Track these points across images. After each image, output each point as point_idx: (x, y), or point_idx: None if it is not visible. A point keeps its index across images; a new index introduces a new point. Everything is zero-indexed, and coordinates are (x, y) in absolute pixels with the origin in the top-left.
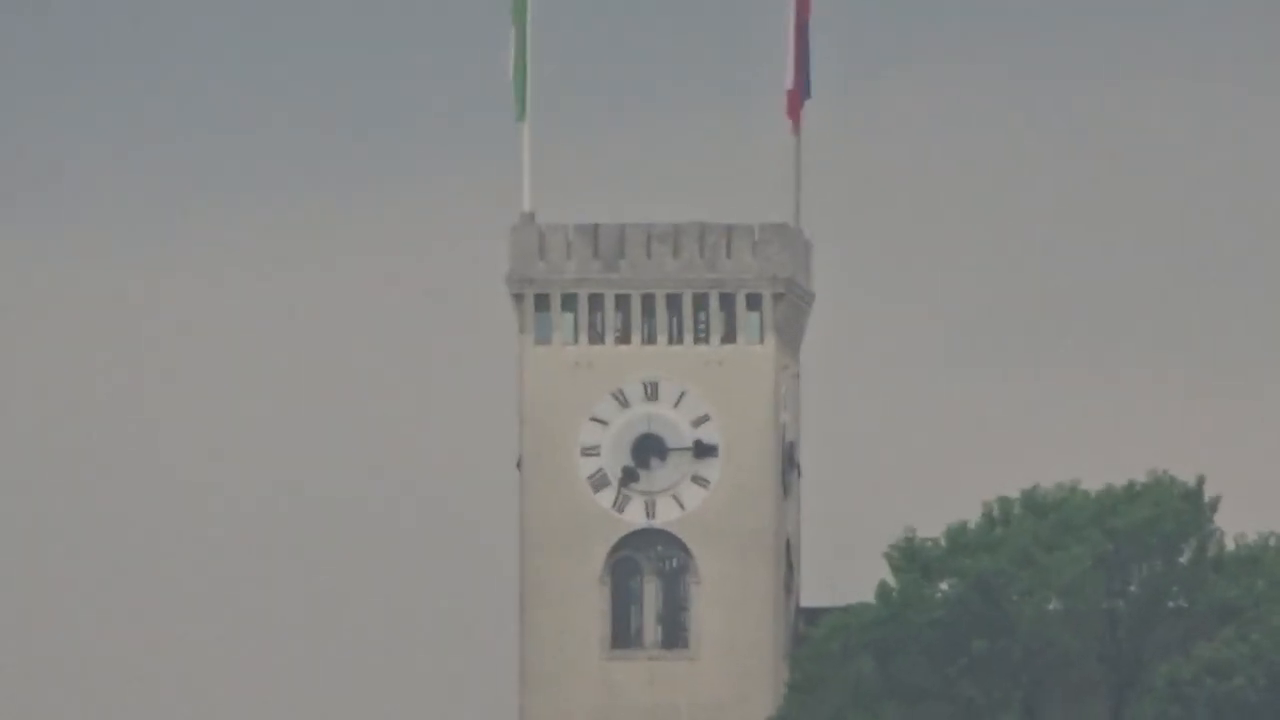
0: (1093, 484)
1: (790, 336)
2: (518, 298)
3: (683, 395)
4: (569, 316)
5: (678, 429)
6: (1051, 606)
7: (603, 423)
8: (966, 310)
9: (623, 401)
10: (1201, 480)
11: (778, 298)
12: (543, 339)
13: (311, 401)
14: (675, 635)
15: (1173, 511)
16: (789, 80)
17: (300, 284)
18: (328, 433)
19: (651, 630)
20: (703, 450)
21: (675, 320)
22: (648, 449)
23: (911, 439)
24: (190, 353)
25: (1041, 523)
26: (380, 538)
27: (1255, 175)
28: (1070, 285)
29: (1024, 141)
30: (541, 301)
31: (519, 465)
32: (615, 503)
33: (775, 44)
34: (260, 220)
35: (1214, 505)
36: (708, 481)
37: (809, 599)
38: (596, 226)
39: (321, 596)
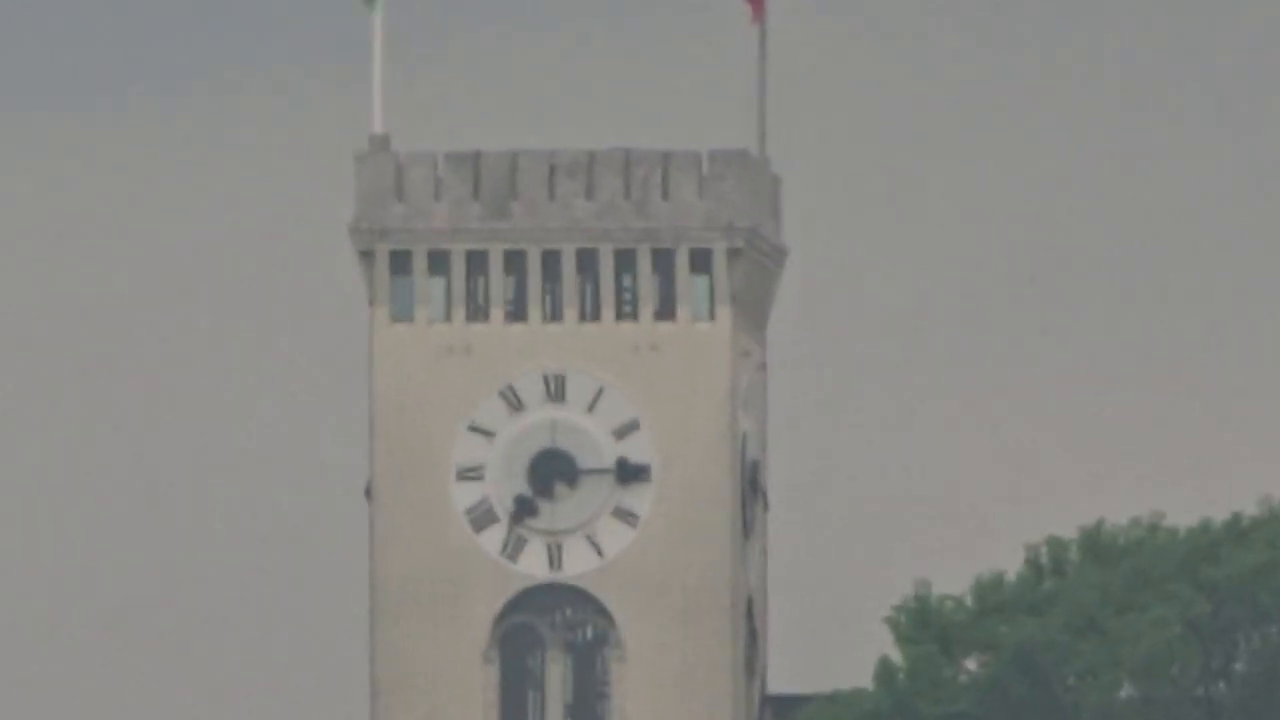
0: (1182, 519)
1: (752, 310)
2: (366, 255)
3: (600, 393)
4: (439, 282)
5: (594, 442)
6: (1124, 693)
7: (487, 434)
8: (993, 268)
9: (515, 403)
10: None
11: (734, 255)
12: (402, 314)
13: (74, 399)
14: None
15: None
16: None
17: (77, 218)
18: (94, 460)
19: None
20: (629, 472)
21: (590, 288)
22: (551, 471)
23: (921, 456)
24: None
25: (1110, 574)
26: (192, 587)
27: None
28: (1144, 229)
29: (1043, 38)
30: (400, 261)
31: (367, 493)
32: (505, 548)
33: None
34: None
35: None
36: (636, 517)
37: (779, 683)
38: (478, 155)
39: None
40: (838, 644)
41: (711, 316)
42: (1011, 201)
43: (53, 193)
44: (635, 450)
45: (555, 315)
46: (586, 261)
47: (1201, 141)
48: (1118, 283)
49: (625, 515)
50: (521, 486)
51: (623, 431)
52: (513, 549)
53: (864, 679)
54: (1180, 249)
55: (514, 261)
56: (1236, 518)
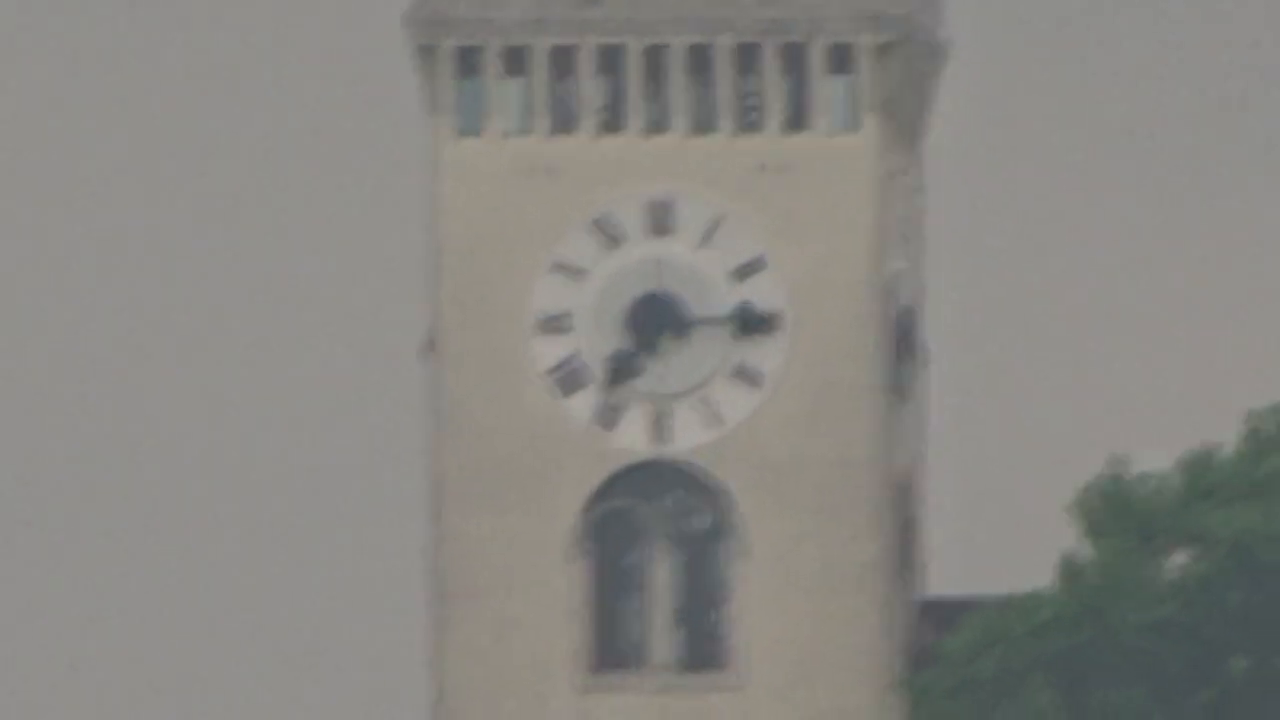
0: None
1: (906, 120)
2: (425, 52)
3: (717, 224)
4: (516, 86)
5: (709, 285)
6: None
7: (576, 273)
8: (1211, 72)
9: (610, 236)
10: None
11: (883, 51)
12: (470, 126)
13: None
14: (705, 649)
15: None
16: None
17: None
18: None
19: (664, 641)
20: (753, 322)
21: (703, 92)
22: (656, 320)
23: (1115, 300)
24: None
25: None
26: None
27: None
28: None
29: None
30: (468, 59)
31: (427, 350)
32: (598, 416)
33: None
34: None
35: None
36: (761, 377)
37: (941, 585)
38: None
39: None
40: (1012, 535)
41: (855, 128)
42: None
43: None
44: (760, 294)
45: (660, 126)
46: (699, 59)
47: None
48: None
49: (748, 375)
50: (619, 340)
51: (745, 271)
52: (608, 418)
53: (1045, 578)
54: None
55: (609, 59)
56: None
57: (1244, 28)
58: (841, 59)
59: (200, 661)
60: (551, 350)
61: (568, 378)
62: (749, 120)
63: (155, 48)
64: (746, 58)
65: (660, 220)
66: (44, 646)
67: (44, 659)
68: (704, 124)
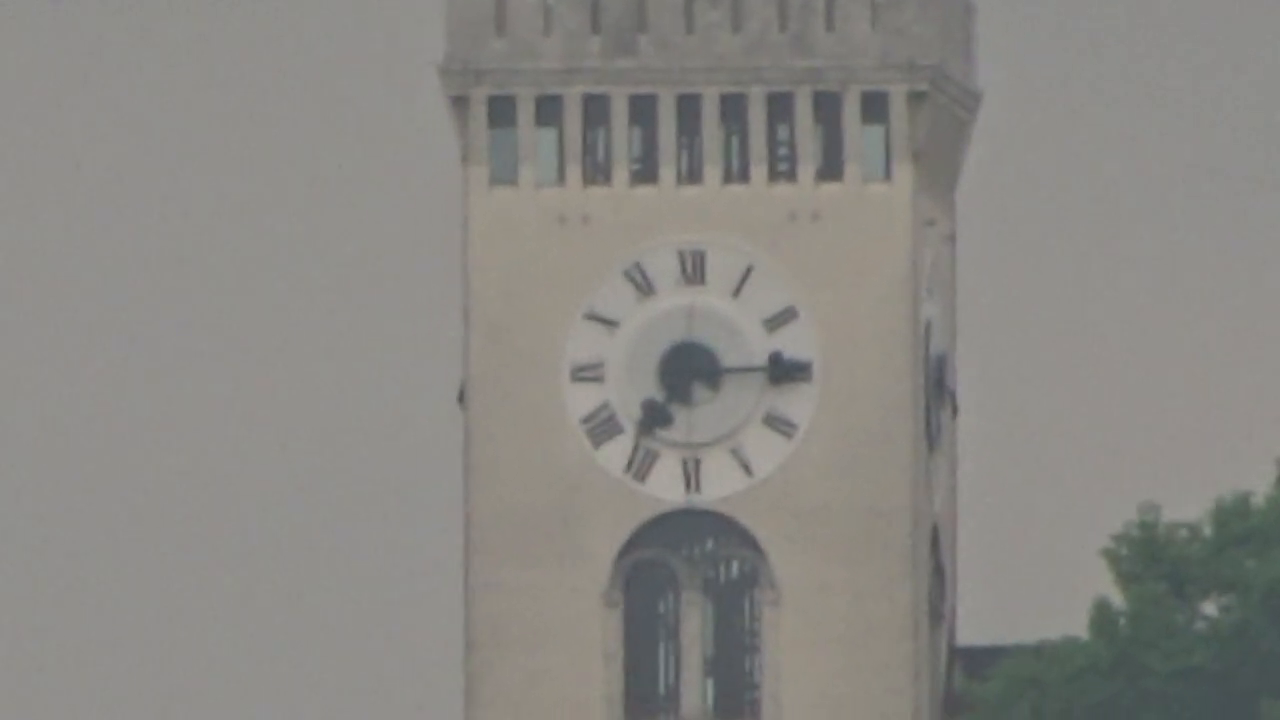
0: None
1: (939, 169)
2: (459, 102)
3: (749, 273)
4: (549, 135)
5: (741, 334)
6: None
7: (609, 323)
8: (1242, 119)
9: (643, 285)
10: None
11: (917, 100)
12: (504, 175)
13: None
14: (737, 697)
15: None
16: None
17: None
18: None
19: (696, 688)
20: (785, 371)
21: (736, 140)
22: (688, 370)
23: (1148, 348)
24: None
25: None
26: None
27: None
28: None
29: None
30: (501, 109)
31: (461, 399)
32: (631, 465)
33: None
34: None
35: None
36: (793, 427)
37: (973, 633)
38: None
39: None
40: (1044, 583)
41: (888, 176)
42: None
43: (112, 32)
44: (792, 344)
45: (693, 176)
46: (732, 108)
47: None
48: None
49: (779, 424)
50: (651, 389)
51: (777, 321)
52: (640, 467)
53: (1078, 626)
54: None
55: (642, 108)
56: None
57: (1274, 71)
58: (874, 108)
59: (239, 715)
60: (584, 400)
61: (600, 427)
62: (781, 169)
63: (191, 98)
64: (779, 107)
65: (692, 270)
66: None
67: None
68: (737, 173)
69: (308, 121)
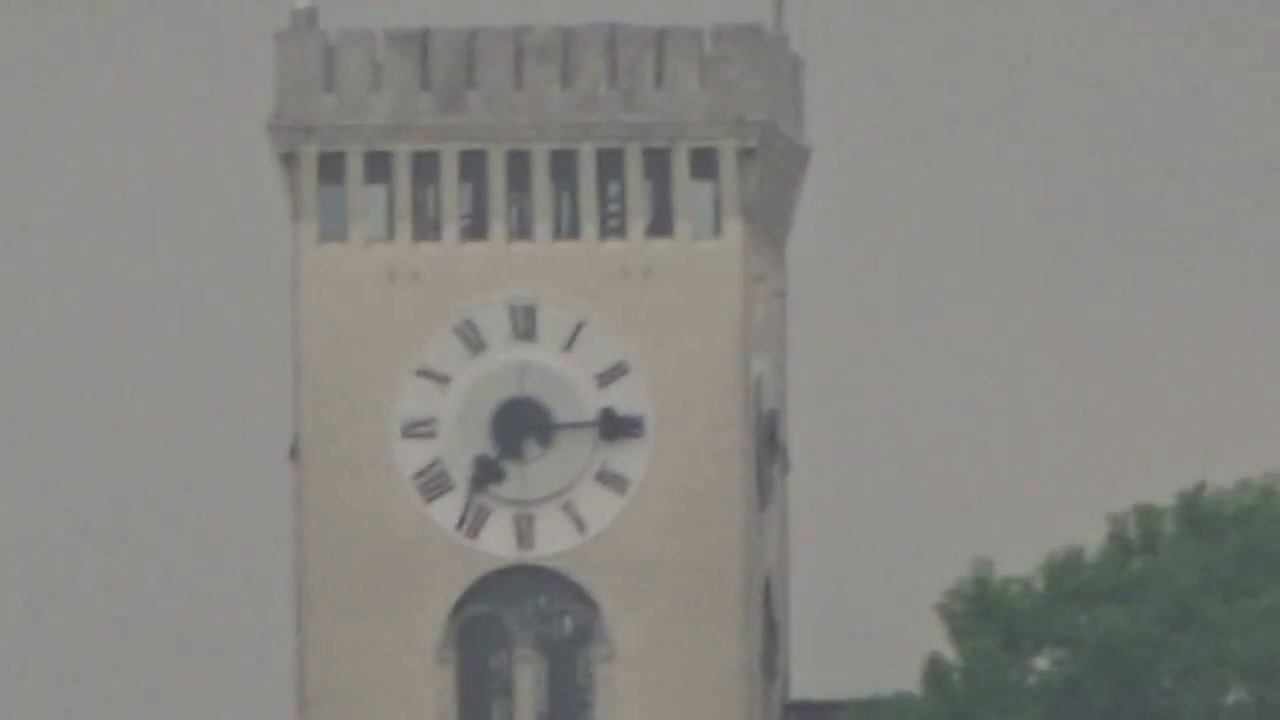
0: None
1: (770, 224)
2: (288, 159)
3: (580, 329)
4: (379, 191)
5: (572, 390)
6: (1232, 697)
7: (440, 379)
8: (1069, 177)
9: (474, 341)
10: None
11: (746, 156)
12: (333, 232)
13: None
14: None
15: None
16: None
17: None
18: None
19: None
20: (616, 427)
21: (567, 196)
22: (520, 426)
23: (979, 405)
24: None
25: (1213, 551)
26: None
27: None
28: (1219, 142)
29: None
30: (331, 165)
31: (292, 454)
32: (463, 522)
33: None
34: None
35: None
36: (625, 483)
37: (805, 688)
38: (426, 33)
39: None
40: (876, 638)
41: (718, 232)
42: (1085, 98)
43: None
44: (624, 399)
45: (524, 232)
46: (563, 164)
47: None
48: (1216, 210)
49: (612, 480)
50: (483, 445)
51: (608, 377)
52: (472, 523)
53: (910, 681)
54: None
55: (472, 165)
56: None
57: (1100, 125)
58: (703, 164)
59: None
60: (416, 456)
61: (432, 483)
62: (612, 225)
63: (23, 144)
64: (609, 163)
65: (523, 326)
66: None
67: None
68: (567, 229)
69: (135, 175)
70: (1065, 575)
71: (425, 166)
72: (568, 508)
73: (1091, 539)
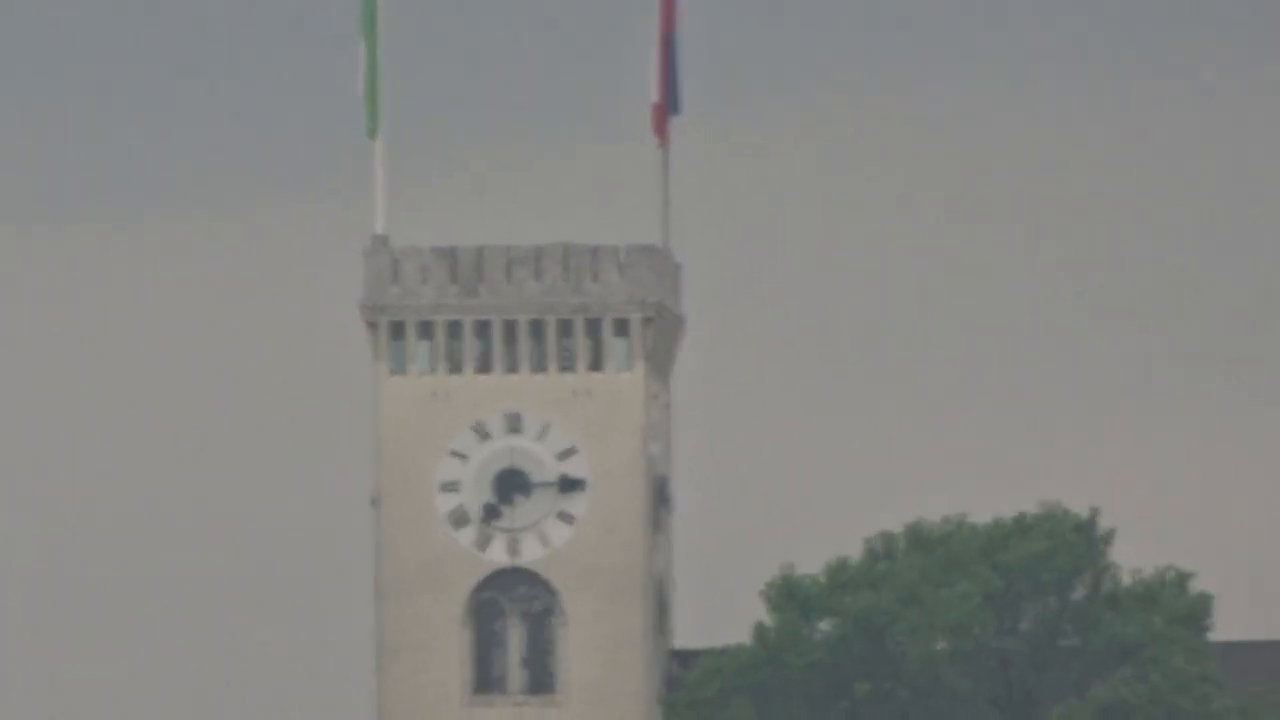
0: (981, 516)
1: (660, 363)
2: (371, 326)
3: (547, 427)
4: (425, 345)
5: (542, 463)
6: (939, 646)
7: (462, 456)
8: (846, 334)
9: (483, 434)
10: (1095, 512)
11: (647, 322)
12: (398, 368)
13: (154, 436)
14: (542, 680)
15: (1065, 545)
16: (654, 94)
17: (143, 311)
18: (171, 470)
19: (516, 675)
20: (569, 485)
21: (539, 348)
22: (510, 484)
23: (789, 471)
24: (19, 384)
25: (927, 558)
26: (230, 579)
27: (1158, 194)
28: (950, 309)
29: (898, 155)
30: (396, 329)
31: (374, 502)
32: (476, 541)
33: (641, 58)
34: (104, 241)
35: (1108, 538)
36: (574, 518)
37: (683, 641)
38: (454, 249)
39: (168, 641)
40: (726, 612)
41: (630, 369)
42: (847, 276)
43: (121, 301)
44: (573, 468)
45: (513, 369)
46: (536, 329)
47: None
48: (956, 346)
49: (566, 517)
50: (488, 496)
51: (564, 455)
52: (482, 542)
53: (745, 637)
54: (1003, 293)
55: (481, 329)
56: (1022, 516)
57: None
58: (621, 328)
59: None
60: (448, 503)
61: (458, 518)
62: (566, 365)
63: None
64: (565, 328)
65: (513, 425)
66: None
67: None
68: (539, 367)
69: (274, 339)
70: (839, 573)
71: (453, 330)
72: (540, 533)
73: (855, 551)
